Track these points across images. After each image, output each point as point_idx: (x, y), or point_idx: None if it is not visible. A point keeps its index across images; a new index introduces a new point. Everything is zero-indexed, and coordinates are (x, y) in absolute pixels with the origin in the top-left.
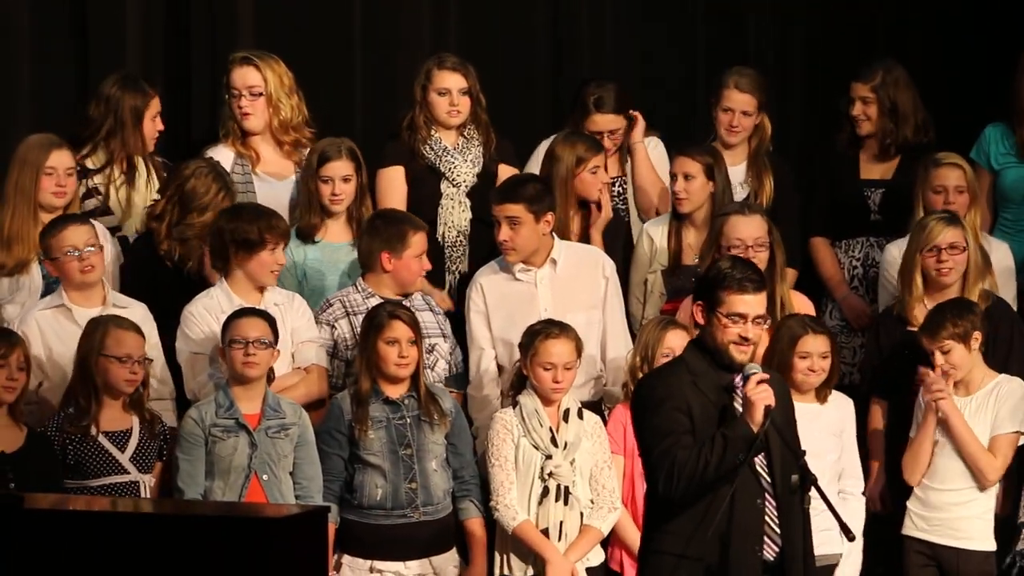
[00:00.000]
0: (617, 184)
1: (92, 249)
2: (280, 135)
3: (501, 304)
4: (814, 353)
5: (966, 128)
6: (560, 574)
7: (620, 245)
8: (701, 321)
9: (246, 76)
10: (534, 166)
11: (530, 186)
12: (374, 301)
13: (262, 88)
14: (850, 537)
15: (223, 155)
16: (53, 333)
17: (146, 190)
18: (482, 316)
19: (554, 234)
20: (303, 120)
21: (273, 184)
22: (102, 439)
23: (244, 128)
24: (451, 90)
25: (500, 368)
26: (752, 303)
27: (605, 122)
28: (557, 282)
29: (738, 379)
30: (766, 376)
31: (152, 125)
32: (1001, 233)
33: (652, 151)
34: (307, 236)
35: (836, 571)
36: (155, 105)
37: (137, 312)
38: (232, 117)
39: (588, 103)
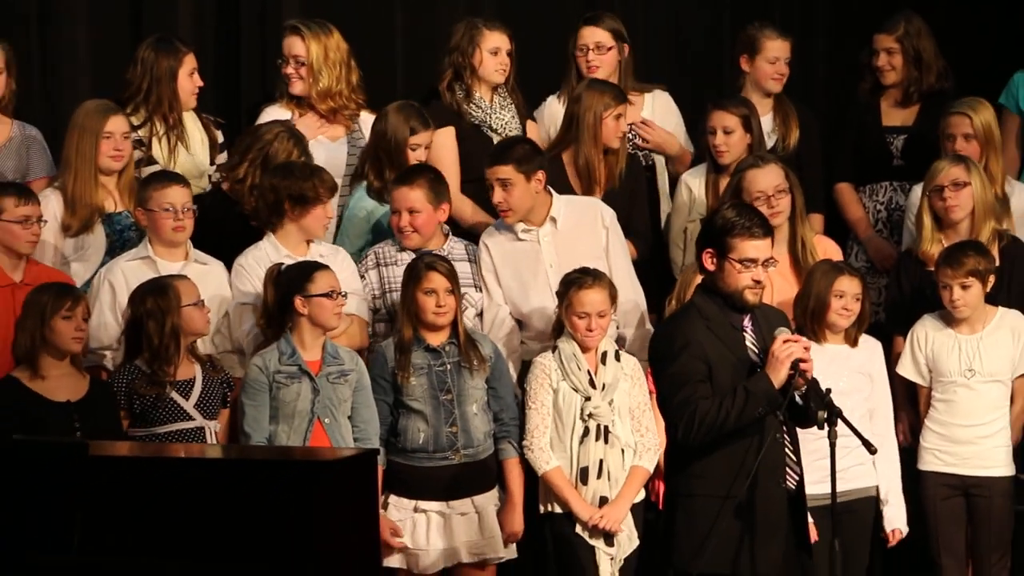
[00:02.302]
0: (631, 128)
1: (188, 211)
2: (317, 103)
3: (507, 263)
4: (848, 293)
5: (994, 74)
6: (584, 520)
7: (643, 188)
8: (711, 267)
9: (292, 45)
10: (543, 119)
11: (518, 147)
12: (405, 255)
13: (305, 58)
14: (872, 451)
15: (279, 115)
16: (138, 283)
17: (202, 147)
18: (492, 274)
19: (551, 190)
20: (347, 88)
21: (327, 145)
22: (168, 388)
23: (291, 91)
24: (501, 49)
25: (520, 323)
26: (762, 247)
27: (591, 34)
28: (559, 238)
29: (747, 320)
30: (795, 337)
31: (189, 81)
32: None
33: (657, 102)
34: (381, 196)
35: (884, 512)
36: (189, 62)
37: (216, 270)
38: (284, 80)
39: (581, 20)
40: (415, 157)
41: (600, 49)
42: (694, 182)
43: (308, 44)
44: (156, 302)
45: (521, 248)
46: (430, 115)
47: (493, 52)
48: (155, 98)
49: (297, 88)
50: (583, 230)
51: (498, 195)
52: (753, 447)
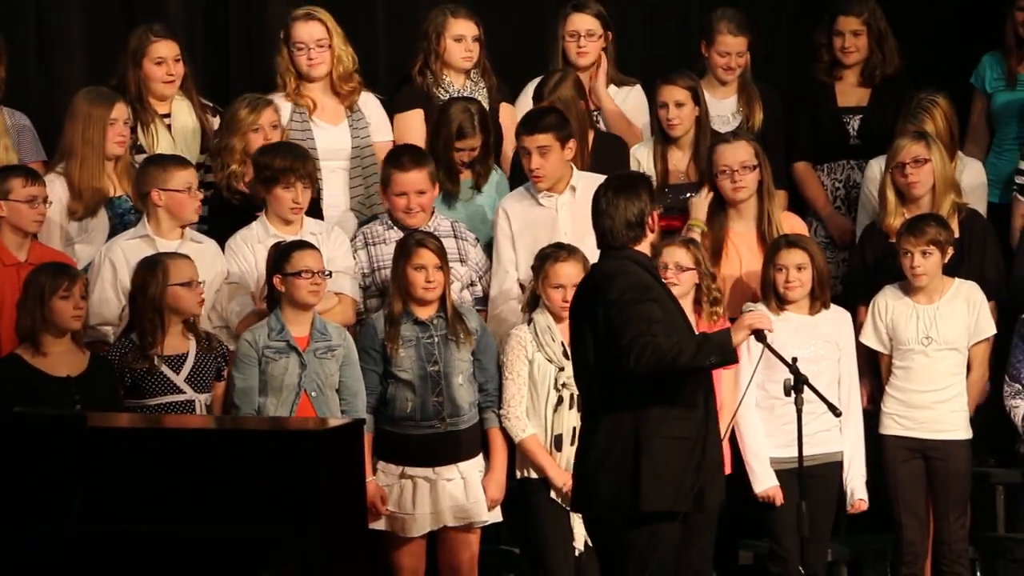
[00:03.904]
0: (598, 114)
1: (200, 191)
2: (340, 85)
3: (525, 228)
4: (789, 266)
5: (955, 61)
6: (558, 486)
7: (626, 167)
8: (653, 231)
9: (313, 30)
10: (523, 105)
11: (552, 116)
12: (393, 233)
13: (327, 40)
14: (836, 413)
15: (280, 106)
16: (137, 261)
17: (193, 137)
18: (508, 239)
19: (572, 163)
20: (356, 68)
21: (328, 129)
22: (158, 362)
23: (312, 76)
24: (466, 36)
25: (523, 287)
26: None
27: (581, 21)
28: (576, 208)
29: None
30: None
31: (157, 69)
32: (994, 153)
33: (629, 98)
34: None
35: (845, 479)
36: (156, 50)
37: (210, 248)
38: (289, 70)
39: (567, 7)
40: (458, 158)
41: (591, 36)
42: (642, 154)
43: (328, 26)
44: (143, 277)
45: (539, 214)
46: (402, 98)
47: (457, 39)
48: (126, 82)
49: (323, 71)
50: None
51: (536, 161)
52: (702, 391)
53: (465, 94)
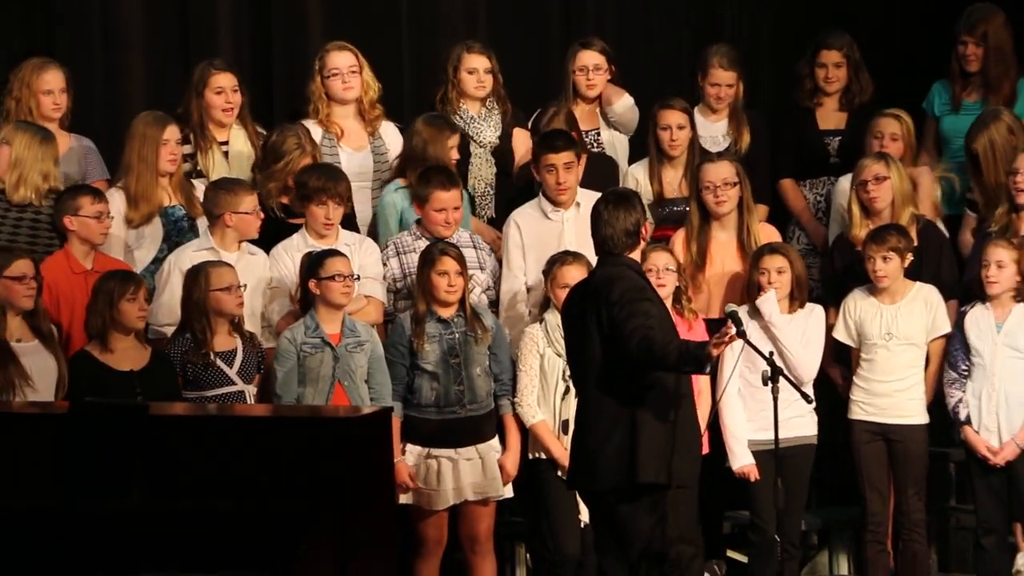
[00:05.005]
0: (591, 135)
1: (260, 212)
2: (369, 110)
3: (535, 240)
4: (770, 269)
5: (912, 88)
6: (564, 466)
7: (615, 183)
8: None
9: (346, 58)
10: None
11: (566, 135)
12: (421, 243)
13: (358, 67)
14: (809, 401)
15: (311, 131)
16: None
17: (248, 162)
18: (519, 248)
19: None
20: (380, 96)
21: (352, 155)
22: (214, 358)
23: (345, 99)
24: (478, 69)
25: (530, 290)
26: None
27: (590, 57)
28: (580, 221)
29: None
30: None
31: (217, 98)
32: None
33: (627, 110)
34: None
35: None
36: (217, 80)
37: (261, 258)
38: (322, 97)
39: (575, 45)
40: (452, 156)
41: (598, 70)
42: (639, 173)
43: (358, 58)
44: (188, 283)
45: (548, 227)
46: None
47: (471, 72)
48: (189, 110)
49: (356, 94)
50: None
51: (563, 176)
52: (682, 384)
53: (480, 120)
